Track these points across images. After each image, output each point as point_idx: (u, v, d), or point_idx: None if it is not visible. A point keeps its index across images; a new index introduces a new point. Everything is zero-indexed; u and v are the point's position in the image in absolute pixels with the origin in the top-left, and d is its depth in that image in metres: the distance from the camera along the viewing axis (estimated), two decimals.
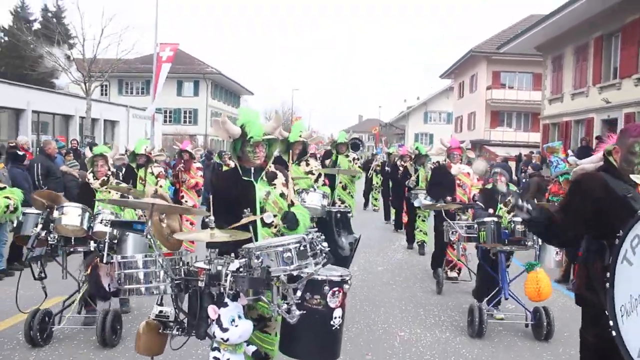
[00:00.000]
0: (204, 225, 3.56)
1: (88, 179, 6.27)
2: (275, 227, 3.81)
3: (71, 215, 5.14)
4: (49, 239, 5.09)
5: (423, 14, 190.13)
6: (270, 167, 3.96)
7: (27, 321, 5.09)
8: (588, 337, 3.06)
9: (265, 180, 3.89)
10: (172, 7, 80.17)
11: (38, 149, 12.42)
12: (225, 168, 14.34)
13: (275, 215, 3.79)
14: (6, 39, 41.58)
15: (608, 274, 2.62)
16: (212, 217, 3.31)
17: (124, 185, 6.30)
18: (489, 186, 6.88)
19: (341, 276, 3.22)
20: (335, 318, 3.17)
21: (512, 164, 21.91)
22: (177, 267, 3.40)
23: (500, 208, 6.51)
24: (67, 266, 5.49)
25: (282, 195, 3.92)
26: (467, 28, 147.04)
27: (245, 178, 3.83)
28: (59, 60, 25.73)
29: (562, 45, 22.97)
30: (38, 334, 5.07)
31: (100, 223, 5.21)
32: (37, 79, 34.42)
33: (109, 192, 6.00)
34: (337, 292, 3.16)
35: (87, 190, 6.16)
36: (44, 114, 25.27)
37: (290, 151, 6.82)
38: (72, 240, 5.34)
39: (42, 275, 5.29)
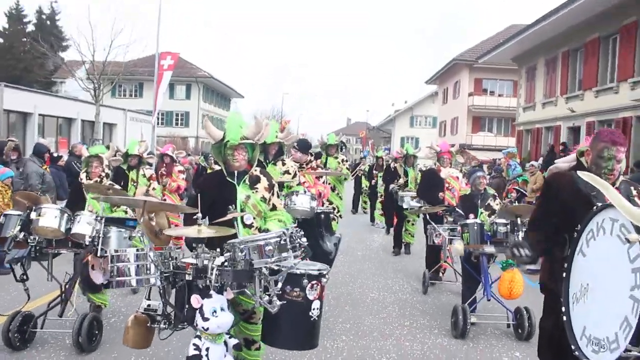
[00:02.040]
0: (187, 223, 3.86)
1: (81, 179, 6.21)
2: (255, 228, 3.95)
3: (48, 216, 4.96)
4: (28, 240, 4.97)
5: (417, 19, 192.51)
6: (255, 170, 4.08)
7: (5, 323, 4.92)
8: (546, 324, 3.16)
9: (247, 184, 4.00)
10: (167, 13, 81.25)
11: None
12: (209, 171, 13.43)
13: (254, 218, 3.98)
14: (1, 41, 42.35)
15: (566, 264, 2.80)
16: (199, 214, 3.49)
17: (103, 185, 5.89)
18: (468, 192, 6.95)
19: (319, 270, 3.39)
20: (313, 309, 3.33)
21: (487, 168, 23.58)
22: (166, 261, 3.53)
23: (481, 213, 6.58)
24: (52, 269, 5.24)
25: (263, 199, 4.03)
26: (458, 34, 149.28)
27: (229, 180, 3.98)
28: (61, 65, 27.37)
29: (534, 58, 24.61)
30: (17, 337, 4.90)
31: (95, 220, 4.99)
32: (36, 81, 35.52)
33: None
34: (315, 285, 3.33)
35: (78, 190, 6.11)
36: (49, 117, 26.52)
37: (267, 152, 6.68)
38: (53, 242, 5.16)
39: (24, 277, 5.15)
